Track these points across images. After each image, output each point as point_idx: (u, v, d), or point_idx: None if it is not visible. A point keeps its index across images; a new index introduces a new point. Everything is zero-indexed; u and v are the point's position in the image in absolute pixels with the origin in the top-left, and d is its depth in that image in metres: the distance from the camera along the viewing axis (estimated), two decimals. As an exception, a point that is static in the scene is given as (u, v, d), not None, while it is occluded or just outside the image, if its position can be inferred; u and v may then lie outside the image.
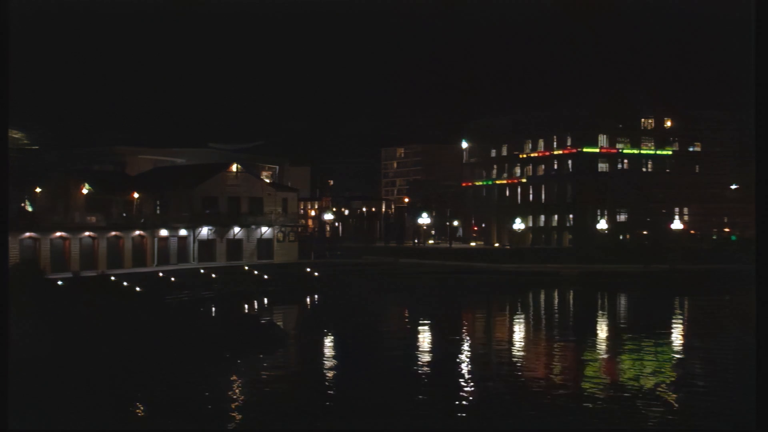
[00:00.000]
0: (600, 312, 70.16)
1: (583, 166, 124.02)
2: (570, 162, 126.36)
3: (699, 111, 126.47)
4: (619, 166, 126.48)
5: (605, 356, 45.78)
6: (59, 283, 56.11)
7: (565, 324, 62.99)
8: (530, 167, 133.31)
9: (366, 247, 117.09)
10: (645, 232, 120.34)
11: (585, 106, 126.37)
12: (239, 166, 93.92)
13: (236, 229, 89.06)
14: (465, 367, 41.86)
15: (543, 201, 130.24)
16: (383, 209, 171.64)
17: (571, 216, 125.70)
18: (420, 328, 57.93)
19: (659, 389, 35.94)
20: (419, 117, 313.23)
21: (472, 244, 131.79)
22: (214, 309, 63.44)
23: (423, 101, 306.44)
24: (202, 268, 79.18)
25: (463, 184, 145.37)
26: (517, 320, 64.29)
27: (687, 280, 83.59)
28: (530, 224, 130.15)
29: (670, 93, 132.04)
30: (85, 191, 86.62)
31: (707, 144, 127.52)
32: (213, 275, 76.89)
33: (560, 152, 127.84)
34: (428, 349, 48.41)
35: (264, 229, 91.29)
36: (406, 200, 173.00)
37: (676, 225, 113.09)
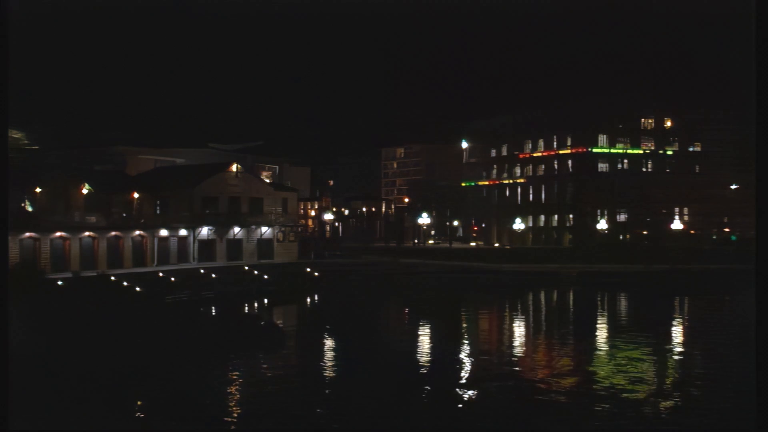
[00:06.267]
0: (600, 312, 70.16)
1: (583, 166, 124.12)
2: (570, 162, 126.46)
3: (699, 111, 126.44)
4: (619, 166, 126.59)
5: (605, 356, 45.75)
6: (59, 283, 56.17)
7: (565, 324, 62.98)
8: (530, 167, 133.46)
9: (366, 247, 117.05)
10: (645, 232, 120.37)
11: (585, 106, 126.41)
12: (239, 166, 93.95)
13: (236, 229, 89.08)
14: (465, 367, 41.86)
15: (543, 201, 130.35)
16: (383, 209, 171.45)
17: (571, 216, 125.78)
18: (420, 327, 57.99)
19: (659, 389, 36.00)
20: (419, 117, 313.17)
21: (472, 244, 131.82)
22: (214, 309, 63.45)
23: (423, 101, 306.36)
24: (202, 268, 79.16)
25: (463, 184, 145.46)
26: (516, 320, 64.29)
27: (687, 280, 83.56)
28: (530, 224, 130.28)
29: (670, 93, 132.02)
30: (85, 191, 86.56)
31: (707, 144, 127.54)
32: (213, 275, 76.87)
33: (560, 152, 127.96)
34: (428, 349, 48.44)
35: (264, 229, 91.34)
36: (406, 200, 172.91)
37: (676, 225, 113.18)
